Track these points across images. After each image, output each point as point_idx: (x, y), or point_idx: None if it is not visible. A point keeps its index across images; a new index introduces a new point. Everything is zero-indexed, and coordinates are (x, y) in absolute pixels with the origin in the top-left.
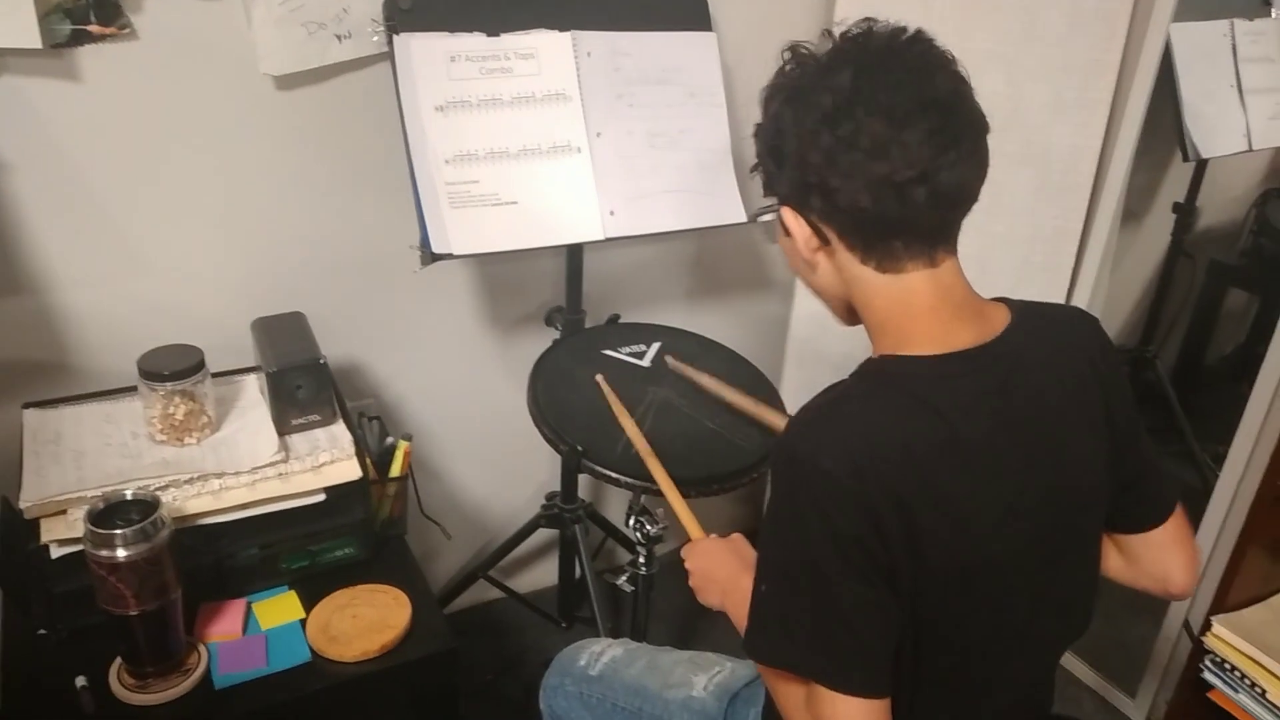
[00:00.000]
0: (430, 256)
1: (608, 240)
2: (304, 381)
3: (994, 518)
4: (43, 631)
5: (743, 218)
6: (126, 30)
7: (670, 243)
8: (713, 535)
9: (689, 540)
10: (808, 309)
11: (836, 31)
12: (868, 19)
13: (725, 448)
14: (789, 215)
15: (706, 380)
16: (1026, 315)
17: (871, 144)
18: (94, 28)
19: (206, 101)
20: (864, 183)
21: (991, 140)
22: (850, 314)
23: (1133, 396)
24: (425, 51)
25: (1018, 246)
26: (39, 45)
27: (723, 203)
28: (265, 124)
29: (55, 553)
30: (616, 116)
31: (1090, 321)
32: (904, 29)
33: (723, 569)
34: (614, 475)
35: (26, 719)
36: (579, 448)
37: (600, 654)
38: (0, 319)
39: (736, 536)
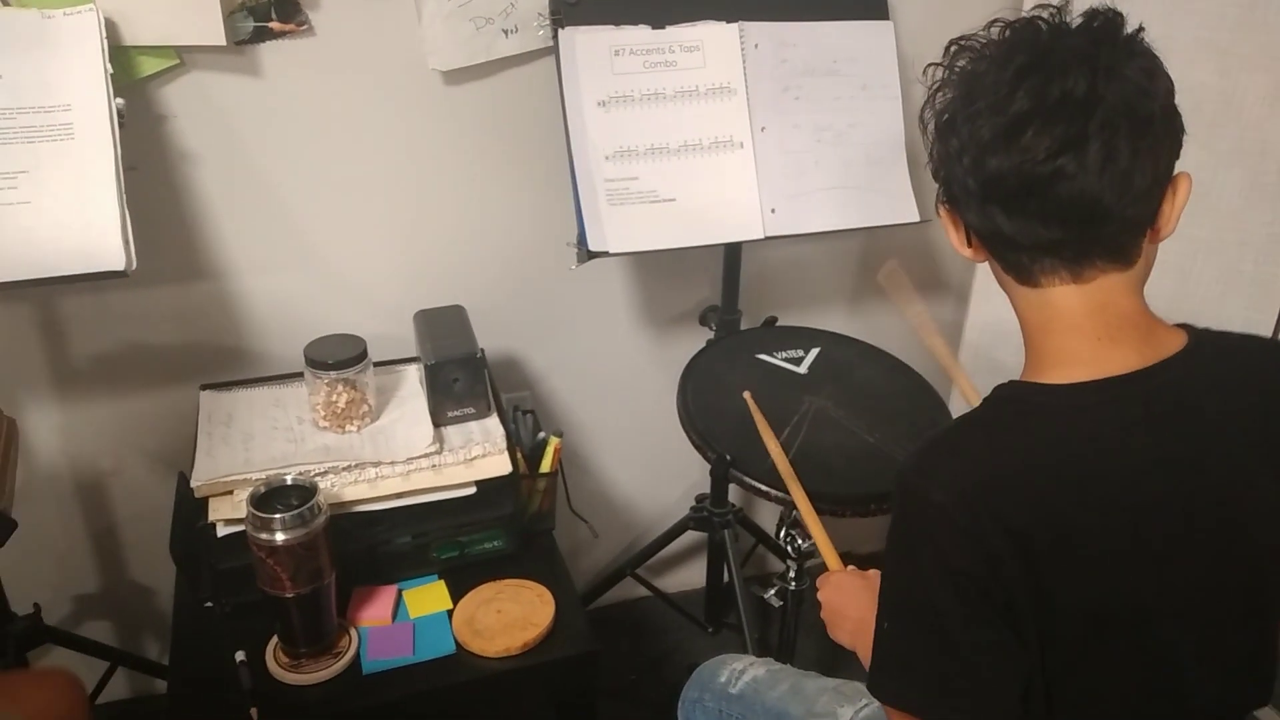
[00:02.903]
0: (586, 254)
1: (767, 239)
2: (460, 375)
3: (1137, 561)
4: (209, 604)
5: (915, 217)
6: (305, 27)
7: (834, 242)
8: (851, 568)
9: (825, 570)
10: (984, 316)
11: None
12: (1046, 5)
13: (884, 464)
14: (943, 212)
15: (915, 313)
16: (1204, 342)
17: (984, 143)
18: (275, 25)
19: (377, 97)
20: (978, 186)
21: (1199, 137)
22: None
23: None
24: (589, 45)
25: (1224, 254)
26: (224, 42)
27: (894, 201)
28: (432, 119)
29: (221, 531)
30: (782, 110)
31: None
32: (1080, 17)
33: (854, 607)
34: (762, 488)
35: (190, 686)
36: (727, 456)
37: (742, 672)
38: (185, 303)
39: (874, 573)
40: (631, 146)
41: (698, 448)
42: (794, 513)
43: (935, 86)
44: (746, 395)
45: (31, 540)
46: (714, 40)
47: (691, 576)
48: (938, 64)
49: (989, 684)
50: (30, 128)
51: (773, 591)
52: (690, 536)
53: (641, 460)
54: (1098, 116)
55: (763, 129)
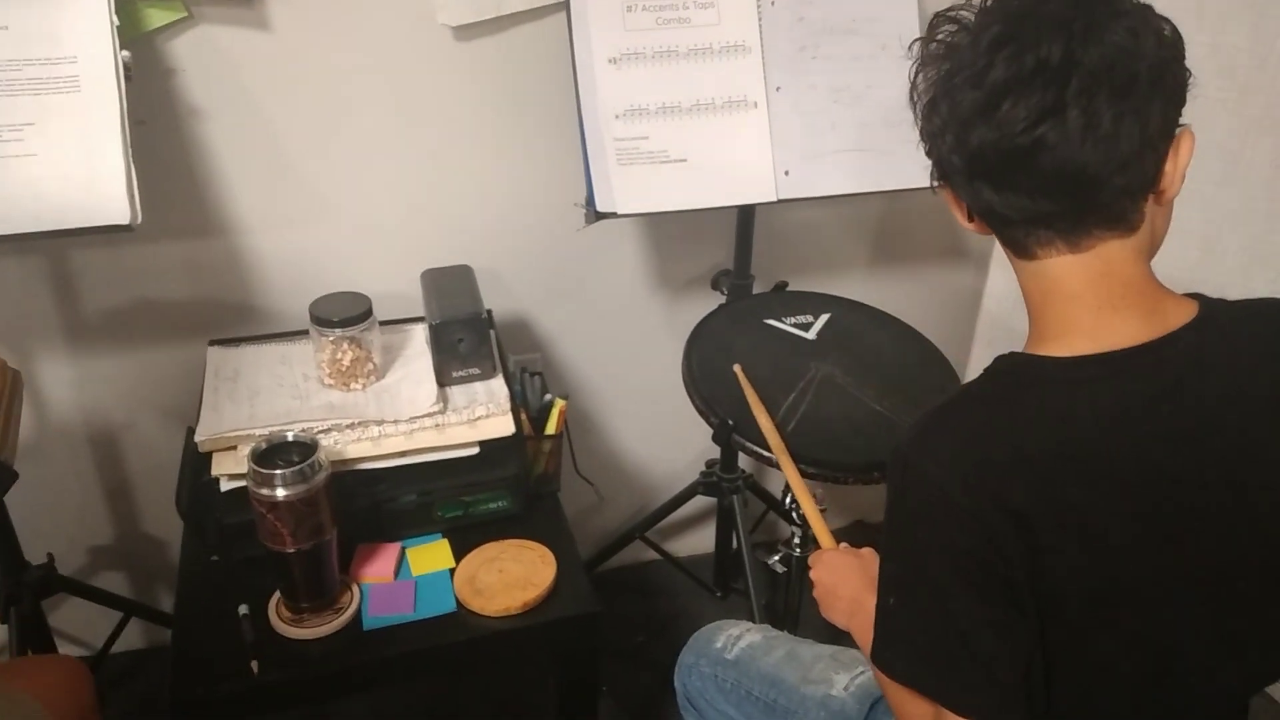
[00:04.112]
0: (594, 215)
1: (781, 202)
2: (465, 335)
3: (1141, 539)
4: (215, 558)
5: (928, 182)
6: None
7: (850, 205)
8: (843, 545)
9: (817, 548)
10: (1003, 284)
11: None
12: None
13: (889, 432)
14: (944, 191)
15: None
16: (1216, 312)
17: (964, 118)
18: None
19: (386, 52)
20: (963, 163)
21: (1229, 103)
22: None
23: None
24: (601, 1)
25: (1252, 224)
26: None
27: (909, 165)
28: (442, 76)
29: (225, 486)
30: (798, 70)
31: None
32: None
33: (847, 586)
34: (764, 454)
35: (195, 639)
36: (729, 421)
37: (738, 638)
38: (195, 258)
39: (867, 552)
40: (642, 105)
41: (701, 412)
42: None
43: (917, 63)
44: (737, 368)
45: (46, 492)
46: None
47: (702, 541)
48: (922, 38)
49: (994, 661)
50: (36, 79)
51: (777, 558)
52: (701, 501)
53: (652, 424)
54: (1074, 82)
55: (778, 89)
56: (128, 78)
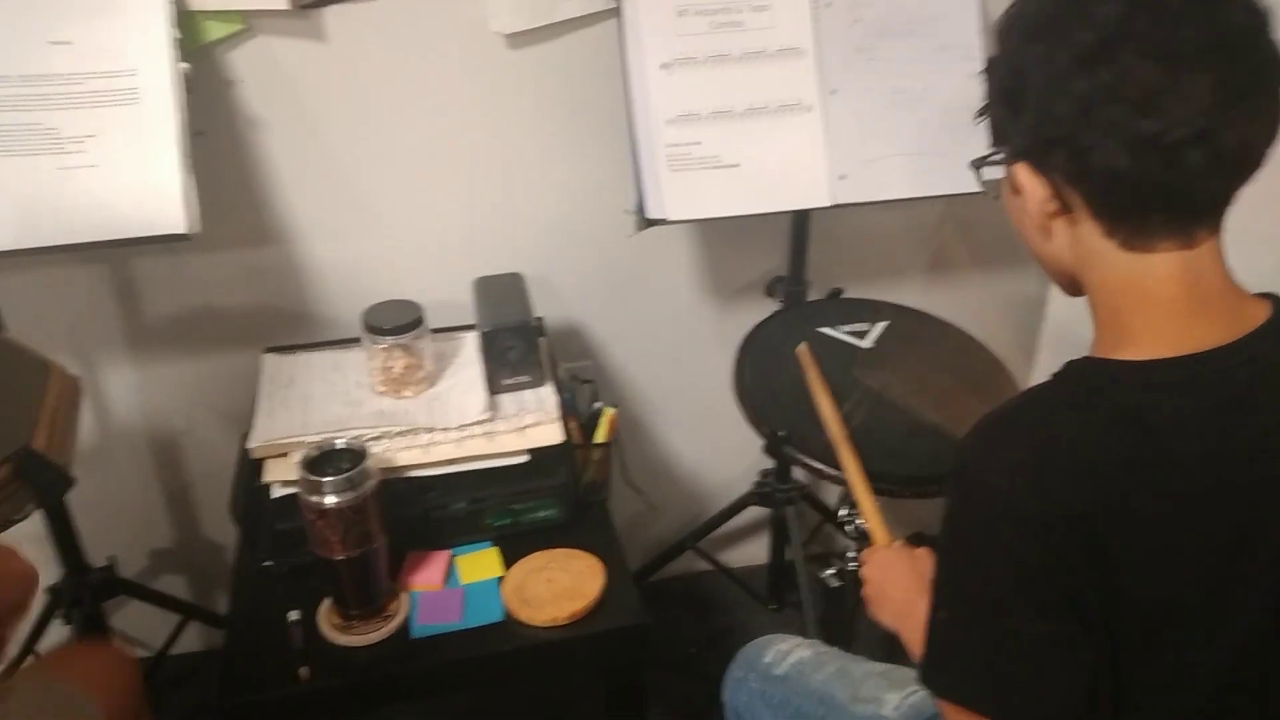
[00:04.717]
0: (644, 222)
1: (836, 206)
2: (515, 343)
3: (1212, 551)
4: (268, 564)
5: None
6: None
7: (908, 210)
8: (897, 543)
9: (871, 544)
10: None
11: None
12: None
13: (946, 445)
14: (1024, 172)
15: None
16: None
17: (1141, 94)
18: None
19: (440, 61)
20: (1126, 142)
21: None
22: (1074, 287)
23: None
24: (653, 6)
25: None
26: (287, 6)
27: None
28: (494, 84)
29: (276, 492)
30: (854, 72)
31: None
32: None
33: (898, 588)
34: (816, 465)
35: (246, 643)
36: (780, 433)
37: (788, 653)
38: (251, 267)
39: (922, 552)
40: (695, 110)
41: (752, 423)
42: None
43: (1007, 25)
44: (801, 349)
45: (109, 495)
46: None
47: (756, 552)
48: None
49: (1051, 680)
50: (97, 93)
51: (831, 571)
52: (755, 511)
53: (705, 433)
54: (1254, 57)
55: (833, 92)
56: (188, 89)
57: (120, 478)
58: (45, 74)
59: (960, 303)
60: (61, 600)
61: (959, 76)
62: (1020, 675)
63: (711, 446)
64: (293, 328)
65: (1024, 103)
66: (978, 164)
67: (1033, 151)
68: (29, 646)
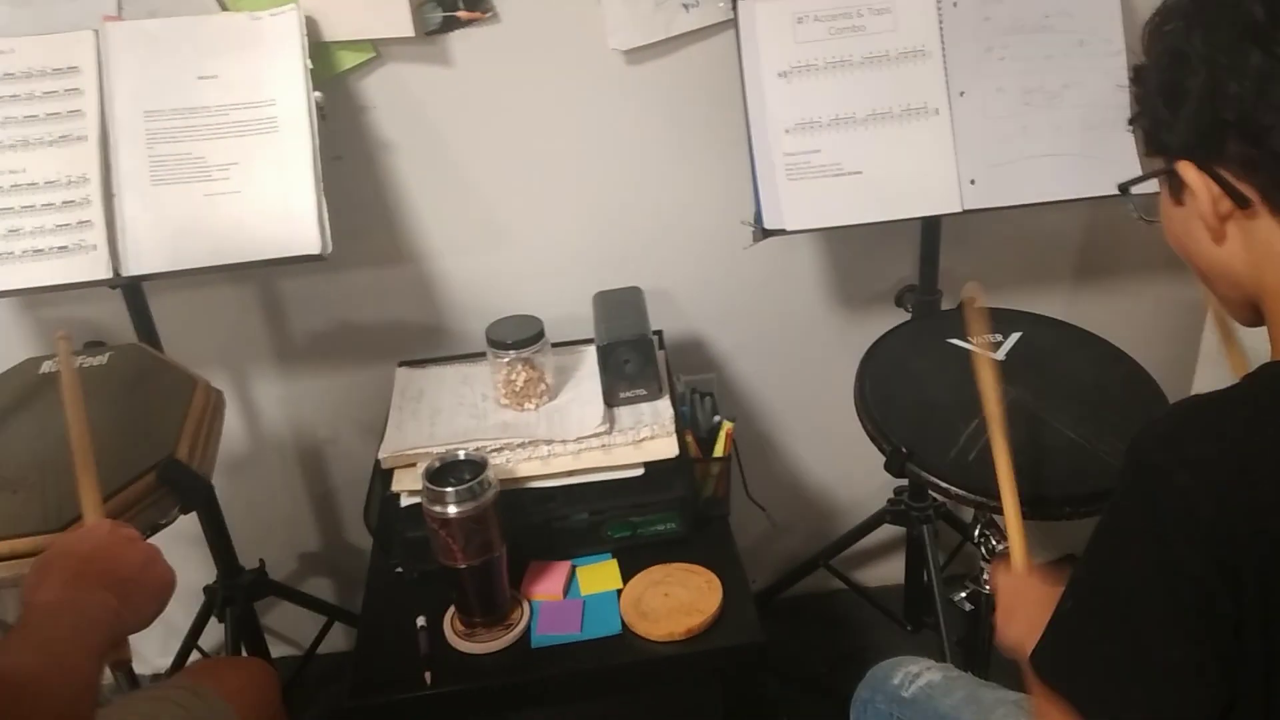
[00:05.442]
0: (761, 232)
1: (967, 212)
2: (631, 356)
3: None
4: (399, 570)
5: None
6: (490, 14)
7: (1050, 214)
8: (1038, 566)
9: (1007, 561)
10: None
11: None
12: None
13: (1087, 463)
14: (1190, 172)
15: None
16: None
17: None
18: (461, 14)
19: (559, 80)
20: None
21: None
22: (1253, 309)
23: None
24: (770, 14)
25: None
26: (413, 34)
27: (1116, 168)
28: (613, 100)
29: (405, 501)
30: (983, 72)
31: None
32: None
33: (1024, 612)
34: (942, 484)
35: (376, 647)
36: (903, 449)
37: (917, 675)
38: (387, 284)
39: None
40: (814, 118)
41: (872, 438)
42: (988, 513)
43: (1159, 23)
44: (970, 287)
45: (259, 502)
46: (907, 0)
47: (892, 571)
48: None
49: (1170, 707)
50: (240, 123)
51: (964, 594)
52: (890, 529)
53: (834, 447)
54: None
55: (961, 93)
56: (321, 116)
57: (269, 485)
58: (194, 107)
59: (1108, 311)
60: (216, 599)
61: (1100, 72)
62: (1136, 694)
63: (841, 462)
64: (424, 342)
65: (1186, 94)
66: (1125, 187)
67: (1200, 146)
68: (190, 642)
